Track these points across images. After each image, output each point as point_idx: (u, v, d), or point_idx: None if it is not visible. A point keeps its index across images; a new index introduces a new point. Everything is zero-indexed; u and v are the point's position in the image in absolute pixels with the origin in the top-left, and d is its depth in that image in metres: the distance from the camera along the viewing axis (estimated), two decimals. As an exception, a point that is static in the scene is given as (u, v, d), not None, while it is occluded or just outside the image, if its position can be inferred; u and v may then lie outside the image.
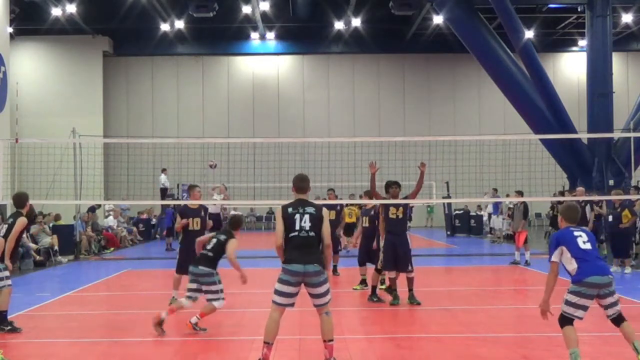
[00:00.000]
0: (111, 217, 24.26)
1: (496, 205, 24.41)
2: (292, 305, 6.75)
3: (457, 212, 29.43)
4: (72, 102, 31.74)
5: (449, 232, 28.32)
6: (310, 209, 6.74)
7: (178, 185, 28.09)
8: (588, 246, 6.56)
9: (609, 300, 6.73)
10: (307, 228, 6.66)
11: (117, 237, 23.34)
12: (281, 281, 6.63)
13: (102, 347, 7.93)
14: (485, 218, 28.31)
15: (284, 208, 6.77)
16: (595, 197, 16.65)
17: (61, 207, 20.55)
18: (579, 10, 27.13)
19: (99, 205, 24.51)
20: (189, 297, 8.55)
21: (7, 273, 8.78)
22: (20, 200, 9.16)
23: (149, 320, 9.69)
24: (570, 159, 22.63)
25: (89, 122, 29.49)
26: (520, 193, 17.87)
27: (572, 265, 6.56)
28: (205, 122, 34.57)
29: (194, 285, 8.52)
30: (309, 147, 26.11)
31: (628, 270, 14.52)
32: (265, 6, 28.85)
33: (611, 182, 21.29)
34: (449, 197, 26.48)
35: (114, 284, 14.38)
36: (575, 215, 6.80)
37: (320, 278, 6.61)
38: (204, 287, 8.47)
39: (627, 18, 29.49)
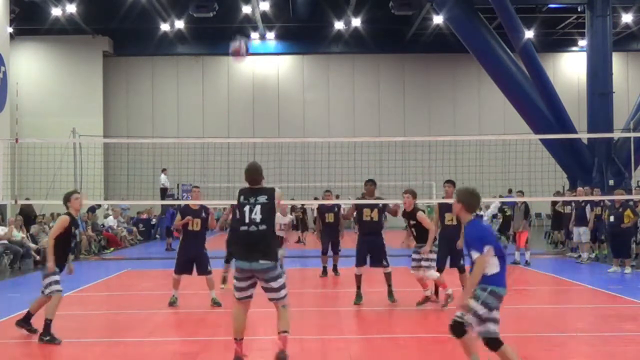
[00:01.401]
0: (111, 217, 24.26)
1: (509, 206, 24.29)
2: (250, 296, 6.60)
3: (457, 212, 29.36)
4: (72, 102, 31.74)
5: (449, 232, 28.29)
6: (262, 198, 6.48)
7: (178, 185, 28.11)
8: None
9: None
10: (258, 220, 6.39)
11: (117, 237, 23.34)
12: (234, 276, 6.59)
13: (102, 347, 7.92)
14: (485, 218, 28.24)
15: (239, 193, 6.60)
16: (597, 197, 16.66)
17: (61, 207, 20.54)
18: (579, 10, 27.13)
19: (99, 206, 24.51)
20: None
21: (56, 277, 8.27)
22: (64, 197, 8.85)
23: (149, 320, 9.71)
24: (570, 159, 22.63)
25: (89, 122, 29.49)
26: (521, 193, 17.88)
27: (494, 267, 5.59)
28: (205, 122, 34.58)
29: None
30: (309, 147, 26.04)
31: (628, 270, 14.51)
32: (265, 6, 28.86)
33: (611, 182, 21.28)
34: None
35: (114, 284, 14.38)
36: (478, 204, 5.87)
37: (270, 274, 6.37)
38: (424, 264, 9.99)
39: (627, 18, 29.48)
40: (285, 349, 6.43)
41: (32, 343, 8.25)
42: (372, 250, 10.53)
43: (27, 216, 18.82)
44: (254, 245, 6.37)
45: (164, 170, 26.13)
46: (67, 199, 8.73)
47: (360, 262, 10.61)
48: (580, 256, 16.98)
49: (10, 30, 27.26)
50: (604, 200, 16.14)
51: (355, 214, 11.16)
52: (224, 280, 11.93)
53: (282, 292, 6.49)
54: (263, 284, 6.47)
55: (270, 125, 34.10)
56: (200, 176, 27.18)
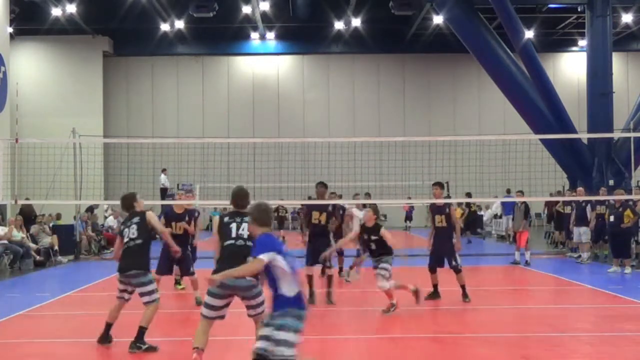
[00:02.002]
0: (111, 217, 24.26)
1: (509, 205, 24.31)
2: (222, 317, 6.51)
3: (457, 212, 29.35)
4: (72, 102, 31.74)
5: (449, 232, 28.24)
6: (248, 218, 6.38)
7: (178, 185, 28.09)
8: None
9: None
10: (245, 236, 6.39)
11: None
12: (210, 294, 6.34)
13: (102, 347, 7.92)
14: (485, 218, 28.26)
15: (221, 217, 6.63)
16: (596, 197, 16.66)
17: (61, 207, 20.55)
18: (579, 10, 27.11)
19: (97, 205, 24.47)
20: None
21: (154, 286, 7.85)
22: (128, 200, 8.02)
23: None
24: (570, 159, 22.62)
25: (89, 122, 29.46)
26: (521, 193, 17.85)
27: (291, 286, 5.20)
28: (205, 122, 34.57)
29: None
30: (309, 147, 26.07)
31: (628, 270, 14.52)
32: (265, 6, 28.85)
33: (611, 182, 21.26)
34: (449, 197, 26.43)
35: (114, 284, 14.28)
36: (269, 218, 5.49)
37: (252, 291, 6.31)
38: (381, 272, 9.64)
39: (627, 18, 29.47)
40: None
41: (32, 343, 8.26)
42: (319, 252, 10.40)
43: (27, 216, 18.82)
44: (242, 261, 6.06)
45: (164, 170, 26.13)
46: (134, 199, 8.00)
47: (309, 263, 10.66)
48: (580, 256, 16.98)
49: (10, 30, 27.25)
50: (608, 200, 16.10)
51: (304, 216, 11.33)
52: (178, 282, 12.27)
53: (262, 308, 6.41)
54: (245, 301, 6.44)
55: (270, 125, 34.09)
56: (200, 176, 27.21)
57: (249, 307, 6.47)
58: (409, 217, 32.72)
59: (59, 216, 20.78)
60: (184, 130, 33.08)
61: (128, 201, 8.02)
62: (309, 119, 34.70)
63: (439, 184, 11.30)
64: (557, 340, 7.95)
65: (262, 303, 6.41)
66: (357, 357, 7.42)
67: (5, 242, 16.39)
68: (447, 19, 24.43)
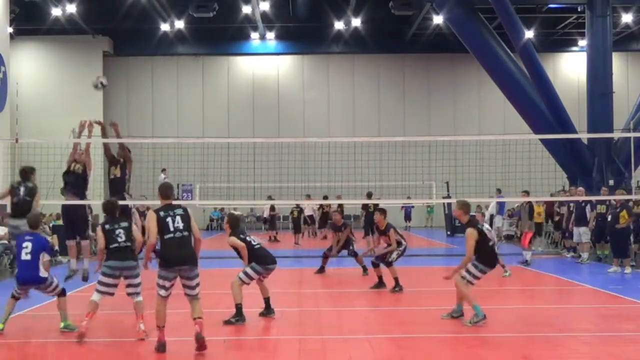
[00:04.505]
0: (111, 218, 24.23)
1: (502, 206, 24.31)
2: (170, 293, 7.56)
3: (457, 212, 29.34)
4: (72, 102, 31.72)
5: (449, 232, 28.31)
6: (179, 210, 7.48)
7: (178, 185, 28.09)
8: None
9: None
10: (181, 228, 7.37)
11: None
12: (161, 277, 7.39)
13: (102, 347, 7.93)
14: (485, 218, 28.22)
15: (157, 212, 7.44)
16: (597, 197, 16.66)
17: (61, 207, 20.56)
18: (579, 10, 27.10)
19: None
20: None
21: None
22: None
23: (149, 321, 9.68)
24: (570, 159, 22.62)
25: (88, 122, 29.40)
26: (526, 193, 17.84)
27: None
28: (205, 122, 34.57)
29: None
30: (309, 147, 26.08)
31: (628, 270, 14.52)
32: (265, 6, 28.86)
33: (611, 182, 21.26)
34: (449, 197, 26.45)
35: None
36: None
37: (193, 272, 7.44)
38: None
39: (627, 18, 29.48)
40: (202, 332, 7.33)
41: (32, 343, 8.25)
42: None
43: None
44: (183, 249, 7.38)
45: (163, 170, 26.10)
46: None
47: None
48: (580, 256, 16.98)
49: (10, 30, 27.25)
50: (609, 200, 16.07)
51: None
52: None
53: (197, 289, 7.55)
54: (184, 281, 7.48)
55: (270, 125, 34.09)
56: (200, 176, 27.21)
57: (186, 287, 7.49)
58: (408, 217, 32.78)
59: (58, 216, 20.78)
60: (184, 130, 33.07)
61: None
62: (309, 119, 34.71)
63: (382, 210, 12.23)
64: (557, 340, 7.95)
65: (198, 285, 7.53)
66: (358, 357, 7.42)
67: (5, 242, 16.38)
68: (447, 19, 24.44)
